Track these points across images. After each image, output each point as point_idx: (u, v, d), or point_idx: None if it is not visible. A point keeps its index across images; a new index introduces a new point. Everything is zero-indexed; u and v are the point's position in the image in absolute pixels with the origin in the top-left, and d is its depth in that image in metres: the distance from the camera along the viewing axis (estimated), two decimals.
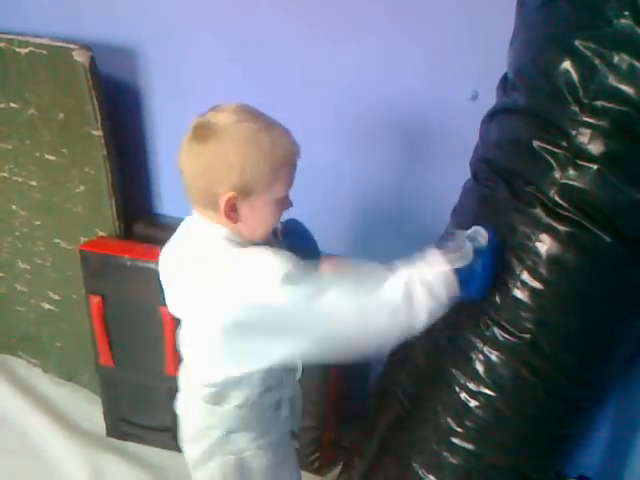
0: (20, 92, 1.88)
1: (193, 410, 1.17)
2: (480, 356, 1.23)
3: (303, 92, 1.69)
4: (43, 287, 2.18)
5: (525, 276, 1.17)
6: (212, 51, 1.76)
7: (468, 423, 1.26)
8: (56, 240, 2.06)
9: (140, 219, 2.01)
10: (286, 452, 1.24)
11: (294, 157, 1.02)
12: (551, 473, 1.38)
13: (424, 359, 1.35)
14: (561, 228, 1.13)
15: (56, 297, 2.16)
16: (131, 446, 2.02)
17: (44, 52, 1.76)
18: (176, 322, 1.17)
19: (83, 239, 1.95)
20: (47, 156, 1.94)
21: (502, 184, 1.22)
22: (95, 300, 1.86)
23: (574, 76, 1.07)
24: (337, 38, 1.59)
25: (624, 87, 1.03)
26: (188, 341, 1.13)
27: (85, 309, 1.92)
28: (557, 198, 1.12)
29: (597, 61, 1.04)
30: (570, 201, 1.11)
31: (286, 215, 1.11)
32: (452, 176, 1.41)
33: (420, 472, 1.31)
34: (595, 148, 1.07)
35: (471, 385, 1.24)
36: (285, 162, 1.00)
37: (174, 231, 1.12)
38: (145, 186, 2.05)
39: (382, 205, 1.71)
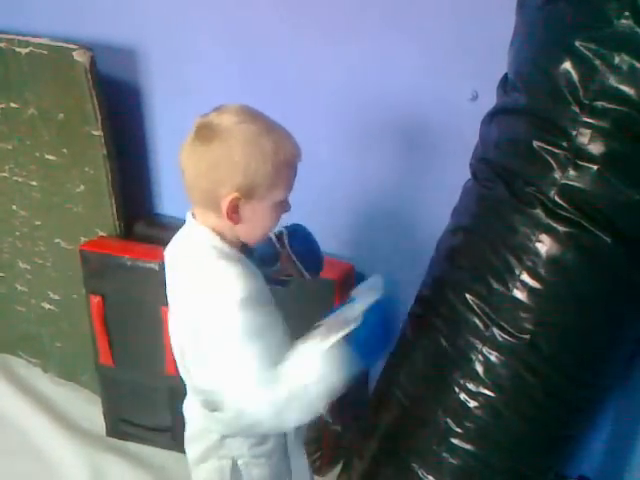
0: (20, 92, 1.88)
1: (194, 410, 1.17)
2: (479, 356, 1.23)
3: (303, 92, 1.69)
4: (43, 287, 2.18)
5: (525, 276, 1.17)
6: (212, 51, 1.76)
7: (467, 424, 1.26)
8: (56, 240, 2.06)
9: (140, 219, 2.01)
10: (285, 463, 1.21)
11: (296, 160, 1.02)
12: (550, 474, 1.38)
13: (423, 360, 1.35)
14: (561, 228, 1.13)
15: (56, 297, 2.17)
16: (131, 446, 2.02)
17: (44, 52, 1.76)
18: None
19: (83, 239, 1.96)
20: (47, 156, 1.94)
21: (502, 184, 1.22)
22: (95, 300, 1.86)
23: (574, 76, 1.07)
24: (337, 38, 1.59)
25: (624, 88, 1.03)
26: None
27: (85, 309, 1.92)
28: (557, 198, 1.12)
29: (597, 62, 1.04)
30: (570, 201, 1.11)
31: (286, 216, 1.11)
32: (452, 176, 1.40)
33: (419, 473, 1.31)
34: (595, 148, 1.07)
35: (470, 385, 1.24)
36: (287, 164, 1.00)
37: (174, 231, 1.12)
38: (145, 186, 2.06)
39: (381, 205, 1.71)
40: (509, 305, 1.18)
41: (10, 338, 2.39)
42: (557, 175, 1.12)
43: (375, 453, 1.46)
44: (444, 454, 1.28)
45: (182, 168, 1.00)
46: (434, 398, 1.31)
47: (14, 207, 2.10)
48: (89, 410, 2.12)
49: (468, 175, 1.36)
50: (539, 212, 1.14)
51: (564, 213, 1.12)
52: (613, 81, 1.04)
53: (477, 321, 1.23)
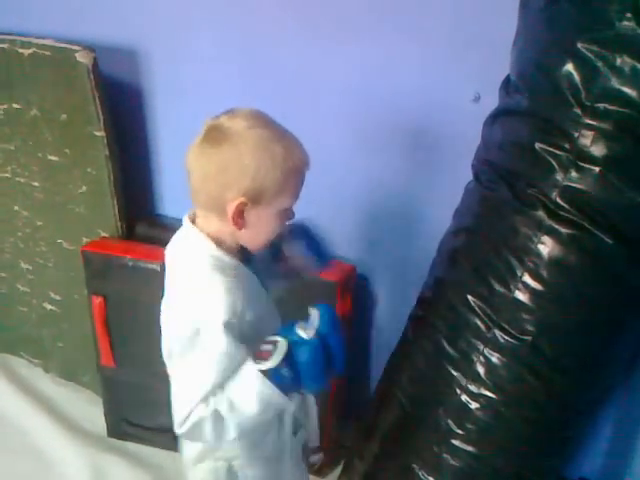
0: (23, 93, 1.88)
1: None
2: (481, 358, 1.23)
3: (305, 94, 1.69)
4: (45, 287, 2.18)
5: (526, 278, 1.17)
6: (214, 52, 1.76)
7: (468, 425, 1.26)
8: (58, 240, 2.06)
9: (142, 220, 2.01)
10: (283, 467, 1.19)
11: (304, 167, 1.01)
12: (552, 475, 1.38)
13: (425, 361, 1.35)
14: (563, 230, 1.13)
15: (58, 297, 2.17)
16: (132, 446, 2.02)
17: (47, 53, 1.76)
18: None
19: (85, 239, 1.95)
20: (50, 156, 1.94)
21: (504, 186, 1.22)
22: (97, 300, 1.86)
23: (576, 78, 1.08)
24: (339, 40, 1.59)
25: (626, 89, 1.03)
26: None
27: (87, 309, 1.92)
28: (559, 200, 1.12)
29: (599, 63, 1.05)
30: (572, 203, 1.12)
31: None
32: (454, 178, 1.41)
33: (420, 474, 1.31)
34: (597, 150, 1.08)
35: (472, 387, 1.24)
36: (296, 171, 0.99)
37: (176, 232, 1.12)
38: (147, 187, 2.06)
39: (383, 206, 1.71)
40: (511, 306, 1.19)
41: (11, 338, 2.39)
42: (559, 177, 1.12)
43: (376, 454, 1.46)
44: (445, 455, 1.28)
45: (189, 170, 0.99)
46: (435, 399, 1.31)
47: (16, 207, 2.10)
48: (90, 410, 2.12)
49: (470, 176, 1.36)
50: (541, 214, 1.15)
51: (566, 215, 1.12)
52: (615, 83, 1.04)
53: (479, 322, 1.23)
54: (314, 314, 0.98)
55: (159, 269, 1.68)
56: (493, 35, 1.38)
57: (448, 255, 1.36)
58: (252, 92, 1.71)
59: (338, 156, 1.70)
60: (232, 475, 1.15)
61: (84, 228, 1.98)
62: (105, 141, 1.81)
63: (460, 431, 1.26)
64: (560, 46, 1.11)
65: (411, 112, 1.58)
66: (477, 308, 1.23)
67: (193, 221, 1.04)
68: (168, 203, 2.07)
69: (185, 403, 0.98)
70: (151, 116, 1.95)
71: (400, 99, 1.59)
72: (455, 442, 1.27)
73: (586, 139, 1.08)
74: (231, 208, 0.96)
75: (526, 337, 1.18)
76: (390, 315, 1.83)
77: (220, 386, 0.96)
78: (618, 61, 1.03)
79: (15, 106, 1.91)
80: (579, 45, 1.07)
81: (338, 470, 1.70)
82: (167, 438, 1.91)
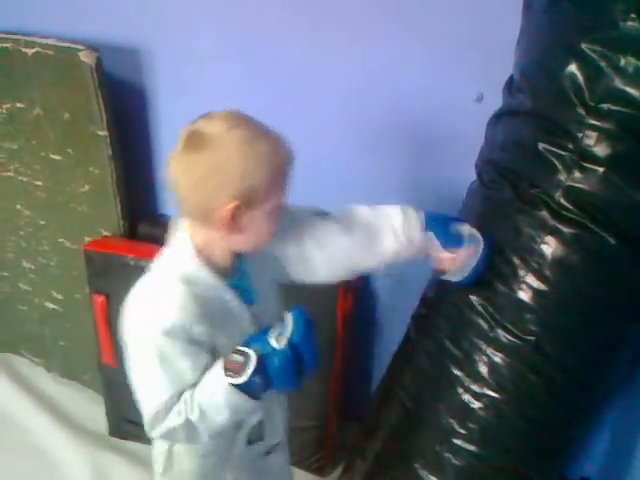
0: (26, 92, 1.88)
1: None
2: (484, 357, 1.23)
3: (307, 92, 1.69)
4: (47, 286, 2.18)
5: (529, 278, 1.17)
6: (218, 51, 1.76)
7: (471, 424, 1.26)
8: (60, 240, 2.06)
9: (144, 219, 2.01)
10: (221, 474, 1.19)
11: (290, 163, 0.99)
12: (554, 475, 1.38)
13: (427, 360, 1.35)
14: (566, 230, 1.13)
15: (60, 296, 2.17)
16: (133, 445, 2.02)
17: (50, 52, 1.77)
18: None
19: (87, 239, 1.96)
20: (52, 156, 1.94)
21: (507, 186, 1.22)
22: (99, 300, 1.86)
23: (580, 78, 1.08)
24: (341, 39, 1.59)
25: (630, 90, 1.03)
26: None
27: (89, 309, 1.92)
28: (562, 200, 1.13)
29: (603, 64, 1.05)
30: (575, 203, 1.12)
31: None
32: (457, 178, 1.41)
33: (422, 473, 1.31)
34: (601, 150, 1.08)
35: (474, 387, 1.24)
36: (282, 168, 0.97)
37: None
38: (150, 186, 2.06)
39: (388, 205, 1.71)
40: (514, 306, 1.19)
41: (13, 337, 2.39)
42: (562, 177, 1.12)
43: (378, 454, 1.46)
44: (447, 455, 1.28)
45: (173, 180, 0.96)
46: (437, 399, 1.31)
47: (19, 206, 2.10)
48: (92, 409, 2.13)
49: (473, 176, 1.36)
50: (544, 214, 1.15)
51: (569, 215, 1.13)
52: (619, 83, 1.04)
53: (482, 322, 1.23)
54: (288, 319, 0.98)
55: None
56: (496, 35, 1.39)
57: None
58: (254, 91, 1.71)
59: (340, 156, 1.70)
60: (169, 462, 1.18)
61: (86, 227, 1.98)
62: (108, 140, 1.81)
63: (462, 430, 1.26)
64: (564, 46, 1.11)
65: (414, 112, 1.59)
66: (480, 308, 1.23)
67: (182, 229, 1.03)
68: (170, 203, 2.07)
69: (147, 412, 1.01)
70: (154, 115, 1.95)
71: (402, 99, 1.59)
72: (457, 441, 1.27)
73: (590, 139, 1.08)
74: (223, 214, 0.93)
75: (529, 337, 1.18)
76: (392, 314, 1.83)
77: (183, 391, 0.98)
78: (622, 61, 1.03)
79: (18, 105, 1.92)
80: (583, 45, 1.07)
81: (339, 469, 1.70)
82: None
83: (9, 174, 2.06)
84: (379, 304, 1.86)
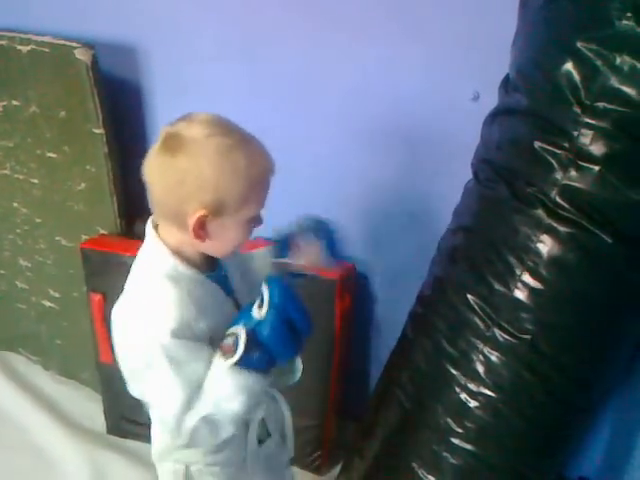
0: (22, 90, 1.88)
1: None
2: (480, 356, 1.23)
3: (305, 92, 1.68)
4: (44, 285, 2.18)
5: (526, 277, 1.17)
6: (214, 49, 1.75)
7: (468, 424, 1.26)
8: (57, 238, 2.06)
9: (141, 217, 1.99)
10: (243, 477, 1.17)
11: (269, 174, 0.96)
12: (551, 474, 1.38)
13: (424, 360, 1.35)
14: (562, 229, 1.13)
15: (57, 295, 2.17)
16: (131, 444, 2.02)
17: (46, 50, 1.76)
18: None
19: (84, 237, 1.95)
20: (48, 154, 1.94)
21: (503, 185, 1.22)
22: (96, 298, 1.86)
23: (576, 77, 1.08)
24: (340, 39, 1.58)
25: (626, 88, 1.03)
26: None
27: (86, 307, 1.92)
28: (558, 199, 1.12)
29: (599, 62, 1.05)
30: (571, 202, 1.12)
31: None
32: (454, 176, 1.40)
33: (420, 472, 1.31)
34: (597, 149, 1.07)
35: (471, 386, 1.24)
36: (260, 180, 0.94)
37: None
38: (146, 184, 2.05)
39: (385, 204, 1.71)
40: (510, 305, 1.19)
41: (10, 335, 2.39)
42: (558, 176, 1.12)
43: (376, 453, 1.46)
44: (444, 454, 1.28)
45: (148, 180, 0.94)
46: (435, 398, 1.31)
47: (15, 204, 2.10)
48: (90, 408, 2.13)
49: (470, 175, 1.36)
50: (540, 212, 1.15)
51: (565, 213, 1.12)
52: (614, 82, 1.04)
53: (478, 321, 1.23)
54: (264, 291, 0.95)
55: None
56: (492, 34, 1.38)
57: (447, 254, 1.36)
58: (252, 91, 1.71)
59: (338, 155, 1.70)
60: (189, 479, 1.14)
61: (83, 225, 1.98)
62: (104, 139, 1.81)
63: (459, 430, 1.26)
64: (559, 45, 1.11)
65: (410, 111, 1.58)
66: (476, 307, 1.23)
67: (156, 228, 1.01)
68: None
69: (169, 417, 0.97)
70: (150, 114, 1.95)
71: (399, 98, 1.58)
72: (454, 441, 1.27)
73: (585, 138, 1.08)
74: (192, 221, 0.91)
75: (525, 336, 1.18)
76: (390, 314, 1.83)
77: (197, 391, 0.95)
78: (618, 60, 1.02)
79: (14, 103, 1.91)
80: (579, 44, 1.06)
81: (337, 468, 1.70)
82: None
83: (5, 172, 2.06)
84: (376, 303, 1.86)
